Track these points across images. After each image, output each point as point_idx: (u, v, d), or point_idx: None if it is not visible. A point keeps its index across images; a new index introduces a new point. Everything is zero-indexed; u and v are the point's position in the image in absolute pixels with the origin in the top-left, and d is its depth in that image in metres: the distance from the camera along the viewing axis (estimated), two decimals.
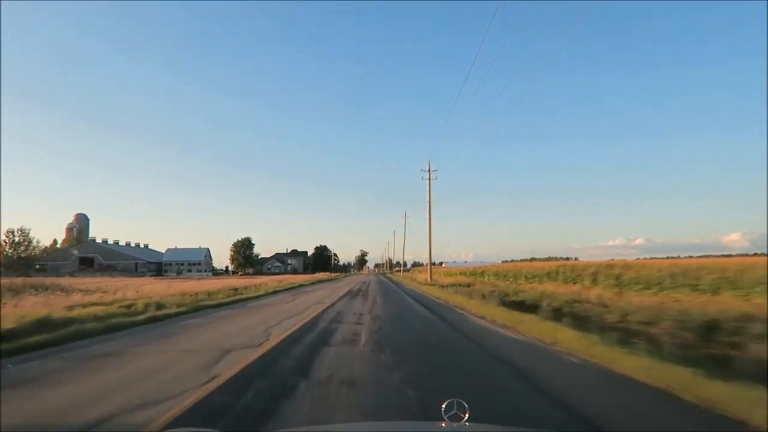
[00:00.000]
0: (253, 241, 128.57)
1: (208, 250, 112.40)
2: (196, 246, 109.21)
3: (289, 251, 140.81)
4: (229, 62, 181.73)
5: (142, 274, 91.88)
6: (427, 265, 50.63)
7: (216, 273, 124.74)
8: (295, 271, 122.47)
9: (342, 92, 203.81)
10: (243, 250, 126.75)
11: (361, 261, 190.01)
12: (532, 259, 58.71)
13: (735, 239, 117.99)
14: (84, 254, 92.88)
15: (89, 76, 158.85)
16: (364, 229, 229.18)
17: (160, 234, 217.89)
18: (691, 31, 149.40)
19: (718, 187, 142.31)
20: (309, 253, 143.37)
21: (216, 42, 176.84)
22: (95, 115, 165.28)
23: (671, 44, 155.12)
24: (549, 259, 55.52)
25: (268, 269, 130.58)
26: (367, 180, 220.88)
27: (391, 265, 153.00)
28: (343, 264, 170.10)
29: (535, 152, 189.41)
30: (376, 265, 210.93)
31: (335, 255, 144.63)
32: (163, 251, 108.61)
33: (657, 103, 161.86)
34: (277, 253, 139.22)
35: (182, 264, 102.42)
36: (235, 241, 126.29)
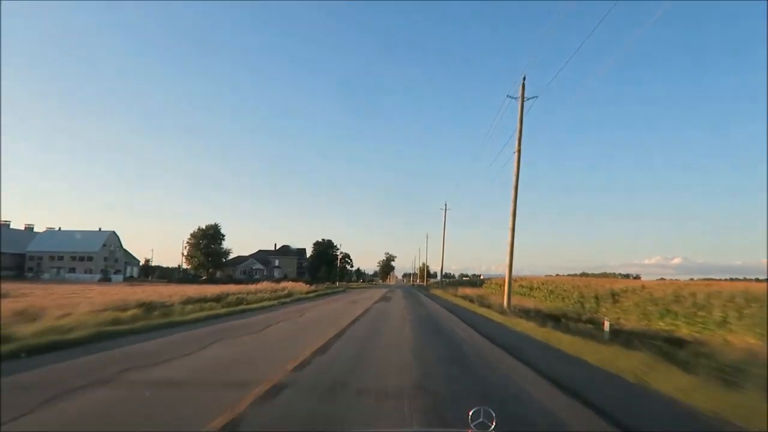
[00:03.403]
0: (222, 231, 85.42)
1: (114, 234, 68.47)
2: (94, 228, 65.42)
3: (278, 248, 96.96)
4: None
5: None
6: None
7: (149, 274, 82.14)
8: (284, 277, 78.17)
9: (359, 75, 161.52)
10: (206, 244, 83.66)
11: (386, 267, 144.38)
12: (583, 274, 44.43)
13: None
14: None
15: None
16: (387, 232, 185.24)
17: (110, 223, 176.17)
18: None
19: (762, 208, 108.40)
20: (309, 252, 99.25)
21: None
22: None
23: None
24: (604, 275, 41.04)
25: (243, 273, 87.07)
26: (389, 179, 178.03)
27: (428, 275, 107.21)
28: (358, 270, 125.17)
29: (567, 167, 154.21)
30: (405, 275, 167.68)
31: (346, 256, 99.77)
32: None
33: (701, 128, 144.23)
34: (260, 251, 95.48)
35: (60, 257, 59.54)
36: (194, 230, 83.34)
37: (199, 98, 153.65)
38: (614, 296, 20.81)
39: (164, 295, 22.71)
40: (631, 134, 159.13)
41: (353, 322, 14.16)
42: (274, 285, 35.33)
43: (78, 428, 3.83)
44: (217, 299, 22.35)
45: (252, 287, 32.91)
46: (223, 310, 16.75)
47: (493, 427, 1.83)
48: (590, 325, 15.32)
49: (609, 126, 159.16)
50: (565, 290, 25.95)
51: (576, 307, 21.59)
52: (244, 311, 17.74)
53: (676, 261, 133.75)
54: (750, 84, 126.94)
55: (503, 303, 21.66)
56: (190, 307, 18.12)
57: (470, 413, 1.91)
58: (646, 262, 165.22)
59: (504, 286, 22.02)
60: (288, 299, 26.37)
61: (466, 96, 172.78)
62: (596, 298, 20.98)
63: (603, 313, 19.06)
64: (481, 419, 1.86)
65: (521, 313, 17.70)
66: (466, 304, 26.18)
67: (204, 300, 21.77)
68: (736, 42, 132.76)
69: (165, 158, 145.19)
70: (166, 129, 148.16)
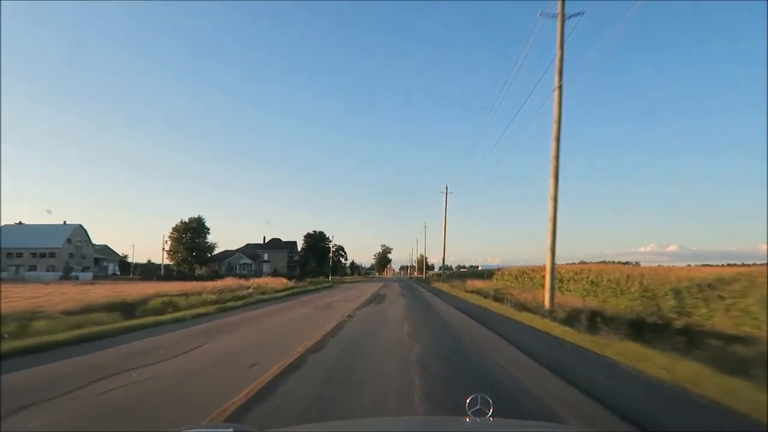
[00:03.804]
0: (207, 224, 78.40)
1: (81, 228, 61.71)
2: (59, 221, 58.68)
3: (267, 241, 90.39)
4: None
5: None
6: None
7: (131, 271, 75.64)
8: (274, 272, 71.58)
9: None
10: (189, 238, 76.87)
11: (383, 260, 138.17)
12: (582, 263, 40.90)
13: None
14: None
15: None
16: (384, 226, 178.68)
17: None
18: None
19: (756, 194, 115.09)
20: (300, 246, 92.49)
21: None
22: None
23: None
24: (603, 263, 37.69)
25: (229, 268, 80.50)
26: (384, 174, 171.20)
27: (426, 266, 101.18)
28: (353, 263, 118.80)
29: (561, 159, 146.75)
30: (402, 268, 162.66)
31: (340, 249, 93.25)
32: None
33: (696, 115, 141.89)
34: (247, 244, 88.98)
35: (18, 254, 53.10)
36: (176, 224, 76.57)
37: (188, 93, 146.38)
38: (702, 290, 14.24)
39: (67, 300, 16.37)
40: (625, 126, 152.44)
41: (276, 378, 5.81)
42: (240, 281, 28.58)
43: None
44: (133, 306, 15.75)
45: (210, 285, 26.34)
46: (75, 334, 9.83)
47: (490, 413, 1.69)
48: (715, 341, 8.76)
49: (604, 118, 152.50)
50: (614, 281, 19.28)
51: (646, 306, 14.98)
52: (125, 330, 10.77)
53: (672, 248, 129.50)
54: (746, 74, 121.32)
55: (543, 301, 15.10)
56: (44, 323, 11.22)
57: (467, 400, 1.79)
58: (641, 250, 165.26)
59: (545, 276, 15.42)
60: (239, 302, 19.58)
61: (463, 93, 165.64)
62: (677, 292, 14.39)
63: (703, 315, 12.47)
64: (478, 406, 1.72)
65: (586, 320, 11.09)
66: (488, 303, 19.44)
67: (112, 307, 15.19)
68: (734, 33, 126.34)
69: (154, 153, 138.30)
70: (158, 125, 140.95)
